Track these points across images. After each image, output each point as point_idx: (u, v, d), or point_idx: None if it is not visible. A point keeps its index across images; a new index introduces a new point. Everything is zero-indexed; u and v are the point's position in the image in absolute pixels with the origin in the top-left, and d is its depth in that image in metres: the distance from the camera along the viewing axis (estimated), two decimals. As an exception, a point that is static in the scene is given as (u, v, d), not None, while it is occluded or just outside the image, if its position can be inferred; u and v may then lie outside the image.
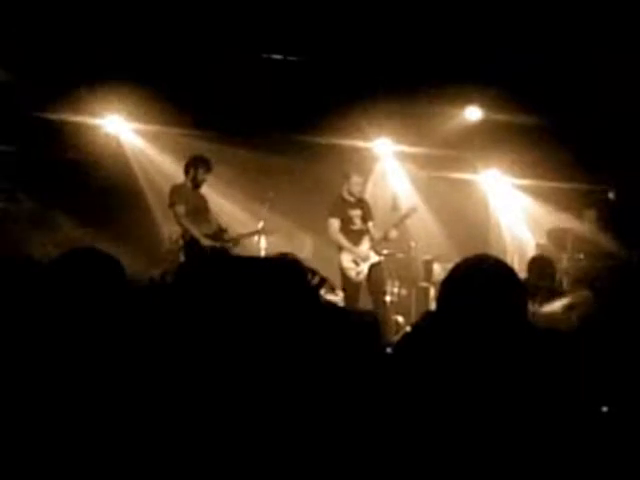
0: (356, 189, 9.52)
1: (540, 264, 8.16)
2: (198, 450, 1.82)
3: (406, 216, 9.74)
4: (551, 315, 7.35)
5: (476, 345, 2.25)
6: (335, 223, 9.45)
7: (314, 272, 8.70)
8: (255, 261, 1.91)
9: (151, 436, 1.94)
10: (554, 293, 7.91)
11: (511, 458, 2.07)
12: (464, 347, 2.25)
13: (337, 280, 9.37)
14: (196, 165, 9.07)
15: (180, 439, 1.85)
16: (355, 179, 9.52)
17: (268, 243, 9.58)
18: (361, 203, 9.61)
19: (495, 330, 2.26)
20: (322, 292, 8.77)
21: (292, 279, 1.86)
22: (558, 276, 8.75)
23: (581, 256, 10.03)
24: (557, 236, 10.67)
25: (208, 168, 9.10)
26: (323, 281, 8.71)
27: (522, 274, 9.65)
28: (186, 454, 1.82)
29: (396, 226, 9.61)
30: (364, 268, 9.35)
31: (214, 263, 1.61)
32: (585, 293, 7.73)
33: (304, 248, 10.60)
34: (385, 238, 9.55)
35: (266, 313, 1.78)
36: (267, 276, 1.83)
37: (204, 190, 9.29)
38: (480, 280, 2.34)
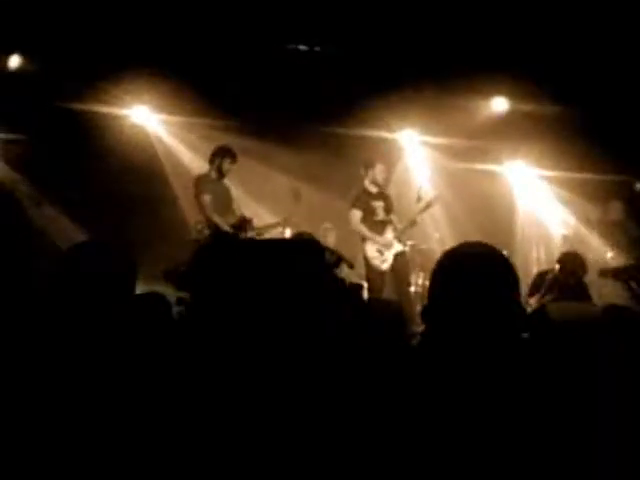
0: (381, 177, 9.54)
1: (569, 260, 8.09)
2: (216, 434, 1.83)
3: (429, 204, 9.71)
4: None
5: (469, 337, 2.21)
6: (357, 214, 9.46)
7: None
8: (271, 241, 1.89)
9: (159, 432, 1.95)
10: (581, 291, 7.84)
11: (511, 455, 2.05)
12: (456, 340, 2.22)
13: (362, 271, 9.40)
14: (222, 155, 9.09)
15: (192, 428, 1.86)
16: (379, 167, 9.55)
17: (292, 234, 9.60)
18: (383, 194, 9.62)
19: (488, 322, 2.22)
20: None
21: (308, 257, 1.83)
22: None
23: (607, 249, 9.97)
24: (583, 228, 10.62)
25: (233, 158, 9.12)
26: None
27: (548, 265, 9.64)
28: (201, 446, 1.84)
29: (420, 213, 9.65)
30: (389, 257, 9.35)
31: (229, 246, 1.58)
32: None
33: (327, 239, 10.59)
34: (412, 224, 9.58)
35: (281, 291, 1.76)
36: (283, 253, 1.81)
37: (228, 181, 9.31)
38: (471, 268, 2.30)
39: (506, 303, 2.24)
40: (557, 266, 8.21)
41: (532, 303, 8.09)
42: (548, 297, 8.00)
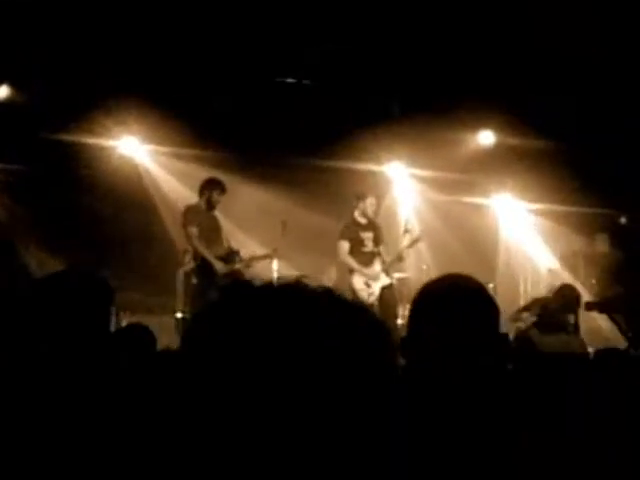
0: (371, 209, 9.59)
1: (564, 293, 8.05)
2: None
3: (416, 241, 9.78)
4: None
5: (448, 368, 2.19)
6: (345, 245, 9.49)
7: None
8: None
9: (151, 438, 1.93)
10: (571, 323, 7.82)
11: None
12: (434, 371, 2.20)
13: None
14: (211, 187, 9.11)
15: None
16: (370, 200, 9.60)
17: (280, 266, 9.59)
18: (373, 225, 9.65)
19: (466, 353, 2.19)
20: None
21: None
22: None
23: (593, 281, 10.01)
24: (569, 261, 10.66)
25: (222, 190, 9.14)
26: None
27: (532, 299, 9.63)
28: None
29: (408, 248, 9.69)
30: (376, 289, 9.37)
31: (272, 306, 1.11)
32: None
33: (328, 273, 10.55)
34: (399, 259, 9.63)
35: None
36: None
37: (217, 212, 9.32)
38: (451, 300, 2.25)
39: (485, 334, 2.23)
40: (552, 296, 8.19)
41: (524, 318, 8.09)
42: (532, 318, 7.97)
